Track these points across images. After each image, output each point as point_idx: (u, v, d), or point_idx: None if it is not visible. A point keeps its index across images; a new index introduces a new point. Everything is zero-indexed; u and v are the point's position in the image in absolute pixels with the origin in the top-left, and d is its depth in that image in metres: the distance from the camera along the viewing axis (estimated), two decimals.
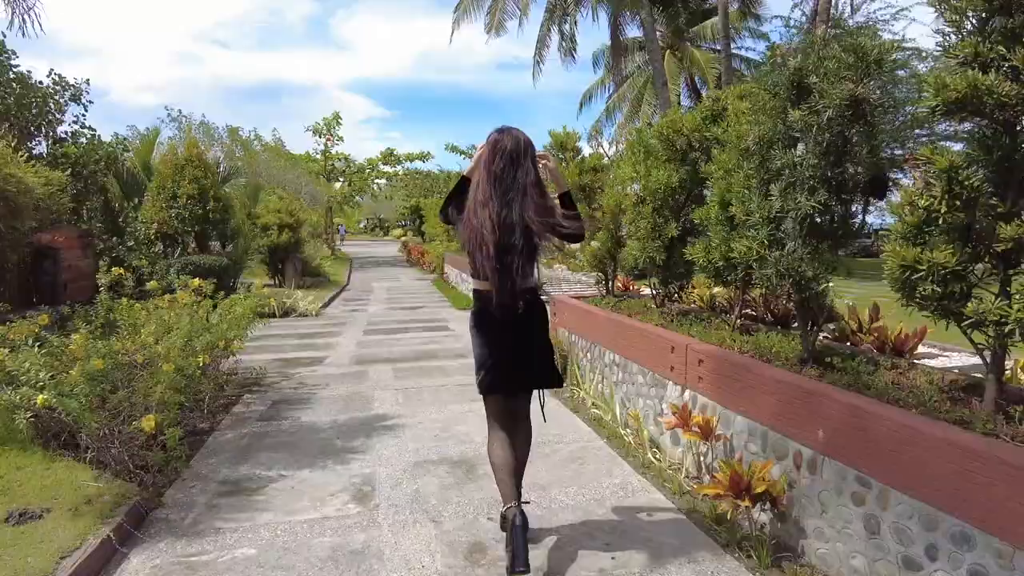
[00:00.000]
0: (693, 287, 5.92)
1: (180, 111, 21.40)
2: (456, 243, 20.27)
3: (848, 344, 4.25)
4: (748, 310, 5.93)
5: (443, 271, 18.68)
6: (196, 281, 5.23)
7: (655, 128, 4.93)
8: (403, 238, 44.38)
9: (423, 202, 28.53)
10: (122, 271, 5.26)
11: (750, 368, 3.43)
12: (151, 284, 5.65)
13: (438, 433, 4.67)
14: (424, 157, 29.96)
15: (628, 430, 4.60)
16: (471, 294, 3.04)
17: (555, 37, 23.08)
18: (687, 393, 4.00)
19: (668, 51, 31.28)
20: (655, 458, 4.10)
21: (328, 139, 27.79)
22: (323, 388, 6.02)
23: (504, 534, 2.84)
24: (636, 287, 8.28)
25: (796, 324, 5.34)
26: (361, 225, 74.63)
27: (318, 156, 28.58)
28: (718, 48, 32.01)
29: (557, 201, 2.93)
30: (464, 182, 2.92)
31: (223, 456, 4.26)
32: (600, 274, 6.65)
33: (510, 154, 2.72)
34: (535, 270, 2.85)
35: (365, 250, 39.25)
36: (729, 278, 4.41)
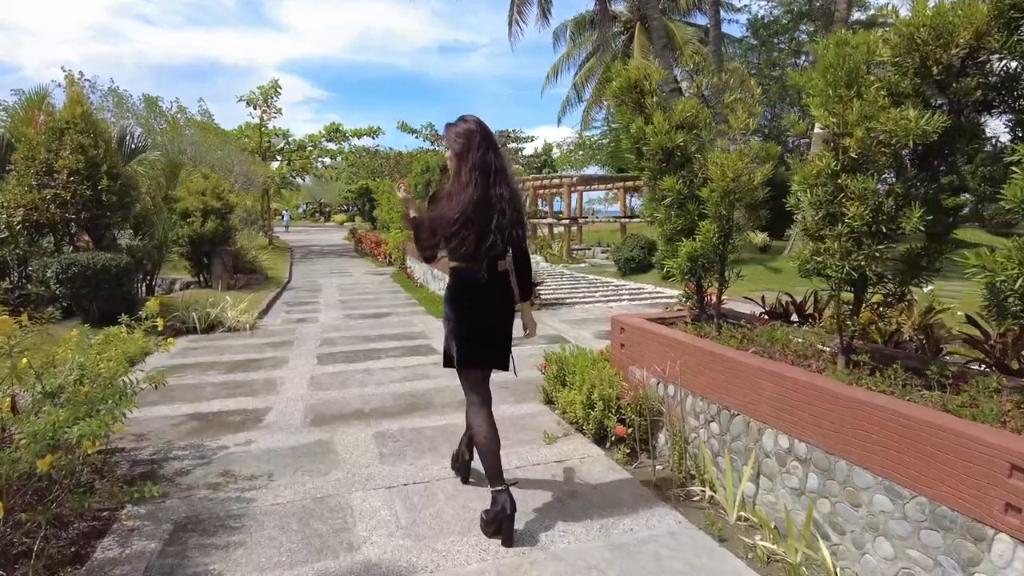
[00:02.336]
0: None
1: (81, 72, 18.10)
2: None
3: None
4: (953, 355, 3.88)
5: (404, 264, 16.22)
6: None
7: (886, 36, 2.74)
8: (349, 224, 41.40)
9: (373, 184, 25.76)
10: None
11: None
12: None
13: None
14: (373, 133, 26.96)
15: None
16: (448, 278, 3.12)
17: None
18: None
19: (638, 24, 29.32)
20: None
21: (265, 112, 24.53)
22: (263, 487, 3.63)
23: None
24: (713, 297, 6.12)
25: None
26: (300, 210, 70.77)
27: (253, 131, 25.25)
28: (692, 21, 30.30)
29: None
30: (418, 225, 3.08)
31: None
32: (690, 287, 4.49)
33: (487, 140, 2.91)
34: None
35: (307, 238, 36.00)
36: None
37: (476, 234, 2.82)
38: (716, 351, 3.49)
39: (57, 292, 7.57)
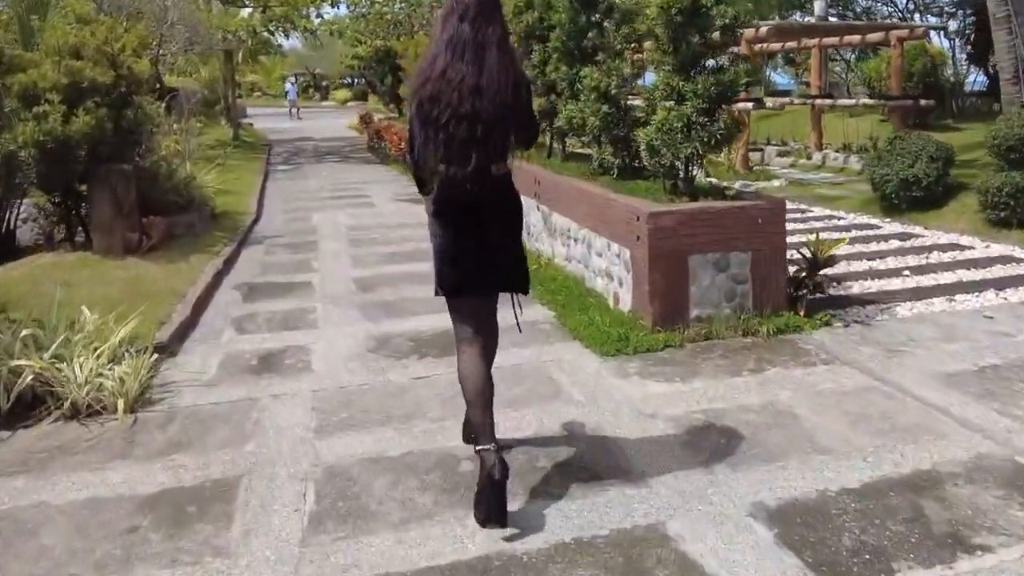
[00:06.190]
0: None
1: None
2: None
3: None
4: None
5: None
6: None
7: None
8: (356, 104, 34.17)
9: (399, 45, 18.78)
10: None
11: None
12: None
13: None
14: None
15: None
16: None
17: None
18: None
19: None
20: None
21: None
22: None
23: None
24: None
25: None
26: (291, 84, 61.91)
27: None
28: None
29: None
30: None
31: None
32: None
33: (476, 8, 2.40)
34: (508, 150, 2.56)
35: (294, 126, 27.96)
36: None
37: (447, 124, 2.37)
38: None
39: None
